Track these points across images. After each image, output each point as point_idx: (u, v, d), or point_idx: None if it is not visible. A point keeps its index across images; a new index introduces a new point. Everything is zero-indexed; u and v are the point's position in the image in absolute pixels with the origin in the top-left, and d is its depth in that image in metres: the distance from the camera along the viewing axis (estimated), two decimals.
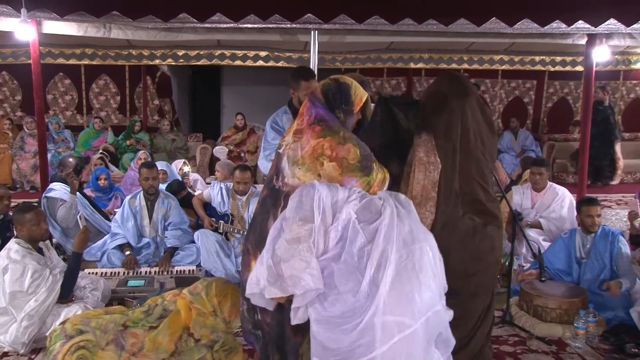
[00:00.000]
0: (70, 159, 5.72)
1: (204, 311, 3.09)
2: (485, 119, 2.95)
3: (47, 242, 4.14)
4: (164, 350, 3.00)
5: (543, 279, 4.38)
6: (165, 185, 6.04)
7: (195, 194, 6.04)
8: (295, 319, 2.27)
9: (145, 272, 4.80)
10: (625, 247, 4.34)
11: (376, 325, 2.12)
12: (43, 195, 5.26)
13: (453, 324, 2.39)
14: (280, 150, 2.72)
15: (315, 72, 5.13)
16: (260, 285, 2.27)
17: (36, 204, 4.74)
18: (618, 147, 9.71)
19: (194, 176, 7.56)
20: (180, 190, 6.08)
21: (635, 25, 5.02)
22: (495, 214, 2.97)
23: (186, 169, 7.29)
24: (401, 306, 2.15)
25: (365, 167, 2.58)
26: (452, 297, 2.43)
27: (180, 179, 6.72)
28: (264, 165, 4.03)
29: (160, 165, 6.39)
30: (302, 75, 3.95)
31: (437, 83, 3.08)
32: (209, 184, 6.30)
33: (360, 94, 2.77)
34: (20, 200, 6.43)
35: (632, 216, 5.34)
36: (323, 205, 2.30)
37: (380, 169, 2.68)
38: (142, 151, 7.68)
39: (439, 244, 2.41)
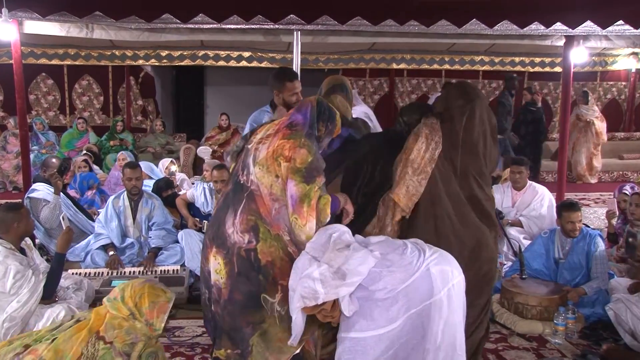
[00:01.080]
0: (54, 160, 5.69)
1: (120, 315, 2.80)
2: (491, 125, 3.12)
3: (30, 242, 4.12)
4: (68, 358, 2.68)
5: (524, 276, 4.47)
6: (152, 182, 6.06)
7: (181, 193, 6.04)
8: (348, 310, 2.39)
9: (130, 272, 4.80)
10: (601, 249, 4.38)
11: (433, 273, 2.45)
12: (26, 195, 5.24)
13: None
14: (249, 146, 2.78)
15: (298, 73, 5.17)
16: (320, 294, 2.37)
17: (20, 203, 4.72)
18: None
19: (180, 176, 7.56)
20: (167, 188, 6.09)
21: (610, 28, 5.13)
22: (489, 213, 3.09)
23: (173, 168, 7.30)
24: (447, 262, 2.54)
25: (308, 176, 2.61)
26: None
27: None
28: None
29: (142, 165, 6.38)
30: (286, 76, 3.98)
31: (449, 89, 3.36)
32: (194, 184, 6.32)
33: (339, 126, 2.93)
34: (3, 201, 6.38)
35: (609, 215, 5.44)
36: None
37: (324, 195, 2.69)
38: (121, 152, 7.66)
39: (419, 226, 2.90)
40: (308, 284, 2.37)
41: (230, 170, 2.96)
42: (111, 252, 4.99)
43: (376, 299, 2.39)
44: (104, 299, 2.90)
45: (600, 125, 10.13)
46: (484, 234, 3.06)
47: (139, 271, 4.80)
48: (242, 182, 2.72)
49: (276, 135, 2.71)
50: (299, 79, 3.99)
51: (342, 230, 2.60)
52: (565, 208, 4.55)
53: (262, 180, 2.66)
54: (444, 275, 2.48)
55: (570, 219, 4.45)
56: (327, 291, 2.35)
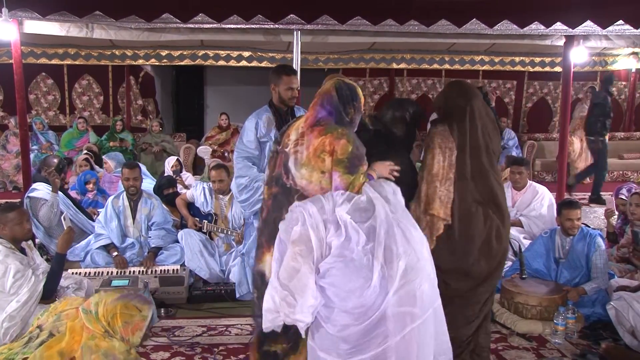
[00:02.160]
0: (54, 159, 5.70)
1: (97, 333, 2.72)
2: (489, 118, 3.22)
3: (30, 242, 4.11)
4: None
5: (524, 276, 4.47)
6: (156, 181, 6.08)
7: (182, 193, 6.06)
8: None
9: (130, 272, 4.81)
10: (601, 249, 4.37)
11: (389, 317, 2.24)
12: (26, 195, 5.24)
13: (462, 304, 2.63)
14: (287, 149, 2.77)
15: (298, 72, 5.17)
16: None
17: (19, 204, 4.72)
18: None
19: (187, 175, 7.54)
20: (169, 186, 6.09)
21: (610, 28, 5.13)
22: (500, 203, 3.18)
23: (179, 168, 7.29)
24: (411, 298, 2.27)
25: (352, 166, 2.60)
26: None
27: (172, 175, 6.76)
28: (239, 166, 4.15)
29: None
30: (284, 70, 4.01)
31: (446, 88, 3.43)
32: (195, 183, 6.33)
33: (361, 94, 2.89)
34: (3, 201, 6.39)
35: (608, 214, 5.44)
36: (315, 222, 2.33)
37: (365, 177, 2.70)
38: (104, 156, 7.65)
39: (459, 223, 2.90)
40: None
41: (270, 173, 2.92)
42: (115, 253, 4.99)
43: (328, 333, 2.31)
44: (80, 308, 2.85)
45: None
46: (498, 225, 3.14)
47: (140, 271, 4.81)
48: (289, 185, 2.73)
49: (312, 134, 2.70)
50: (297, 77, 4.01)
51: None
52: (565, 206, 4.57)
53: (310, 180, 2.67)
54: (402, 320, 2.27)
55: (569, 216, 4.46)
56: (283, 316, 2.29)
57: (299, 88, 4.16)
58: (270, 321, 2.32)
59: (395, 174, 2.88)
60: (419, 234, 2.45)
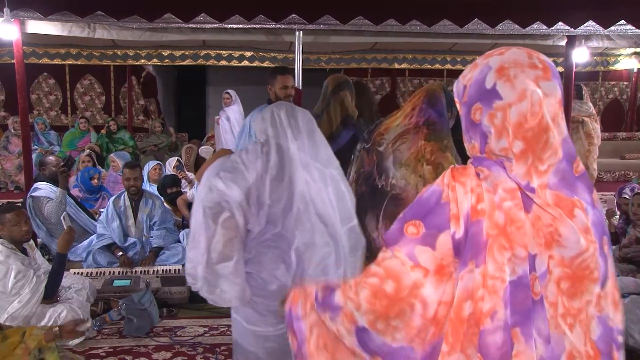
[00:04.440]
0: (51, 157, 5.71)
1: None
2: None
3: (32, 242, 4.12)
4: None
5: None
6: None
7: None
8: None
9: (132, 272, 4.81)
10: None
11: None
12: (28, 195, 5.24)
13: None
14: (381, 148, 2.73)
15: (300, 72, 5.18)
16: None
17: (20, 205, 4.73)
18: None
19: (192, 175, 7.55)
20: (172, 185, 6.10)
21: (613, 28, 5.12)
22: None
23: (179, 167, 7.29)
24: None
25: None
26: None
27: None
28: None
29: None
30: (279, 70, 4.10)
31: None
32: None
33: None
34: (5, 201, 6.40)
35: (609, 214, 5.43)
36: (243, 210, 2.22)
37: None
38: (111, 154, 7.66)
39: None
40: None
41: (357, 170, 2.88)
42: (120, 253, 5.01)
43: None
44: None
45: (593, 126, 9.05)
46: None
47: (142, 271, 4.81)
48: (380, 186, 2.70)
49: (417, 135, 2.67)
50: (293, 76, 4.04)
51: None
52: None
53: (408, 180, 2.64)
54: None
55: None
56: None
57: (293, 86, 4.17)
58: (189, 281, 2.27)
59: None
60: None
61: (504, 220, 1.10)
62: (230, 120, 8.59)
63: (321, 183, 2.23)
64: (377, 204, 2.67)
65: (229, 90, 8.98)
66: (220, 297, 2.25)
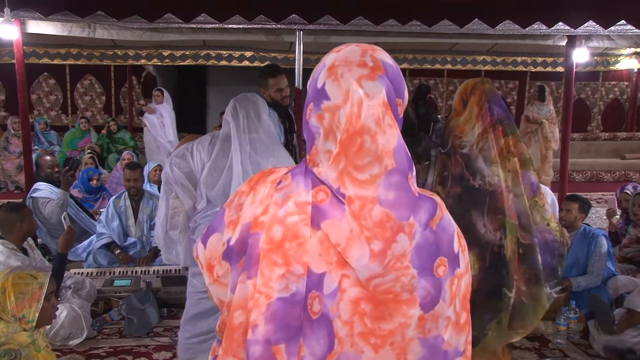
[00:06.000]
0: (47, 157, 5.71)
1: None
2: None
3: (32, 242, 4.12)
4: None
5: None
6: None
7: None
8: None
9: (132, 271, 4.81)
10: (603, 248, 4.35)
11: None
12: (28, 195, 5.23)
13: None
14: (465, 151, 2.93)
15: (300, 72, 5.18)
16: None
17: (22, 203, 4.73)
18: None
19: None
20: None
21: (613, 28, 5.12)
22: None
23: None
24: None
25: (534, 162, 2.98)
26: None
27: None
28: None
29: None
30: (268, 72, 3.99)
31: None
32: None
33: None
34: (5, 201, 6.40)
35: (610, 214, 5.43)
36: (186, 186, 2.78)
37: None
38: (127, 151, 7.67)
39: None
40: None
41: (440, 174, 3.04)
42: (118, 251, 5.01)
43: None
44: None
45: (550, 129, 8.82)
46: None
47: (141, 270, 4.81)
48: (477, 186, 2.89)
49: (494, 133, 2.90)
50: (284, 74, 4.00)
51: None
52: (565, 197, 4.76)
53: (500, 176, 2.88)
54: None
55: (563, 206, 4.57)
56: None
57: (288, 86, 4.15)
58: (154, 242, 2.90)
59: None
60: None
61: (282, 236, 1.04)
62: (164, 116, 9.04)
63: (258, 169, 2.59)
64: (479, 202, 2.89)
65: (160, 88, 9.17)
66: (176, 257, 2.93)
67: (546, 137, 8.77)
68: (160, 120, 8.92)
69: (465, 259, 1.14)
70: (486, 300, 2.90)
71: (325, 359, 1.05)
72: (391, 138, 1.06)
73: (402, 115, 1.13)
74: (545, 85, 9.35)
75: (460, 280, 1.12)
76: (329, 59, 1.14)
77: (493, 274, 2.89)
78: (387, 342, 1.06)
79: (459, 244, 1.13)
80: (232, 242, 1.12)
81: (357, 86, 1.06)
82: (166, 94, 9.16)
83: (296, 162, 2.99)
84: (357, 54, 1.13)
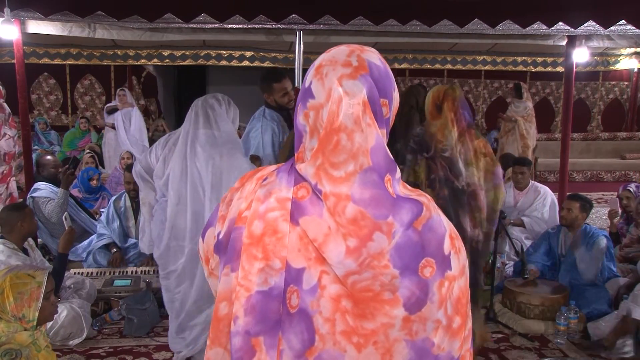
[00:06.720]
0: (48, 157, 5.71)
1: None
2: None
3: (32, 242, 4.12)
4: None
5: (526, 276, 4.47)
6: None
7: None
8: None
9: (132, 271, 4.81)
10: (602, 246, 4.35)
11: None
12: (29, 195, 5.24)
13: None
14: (447, 154, 3.15)
15: (300, 72, 5.17)
16: None
17: (23, 203, 4.73)
18: None
19: None
20: None
21: (613, 27, 5.12)
22: None
23: None
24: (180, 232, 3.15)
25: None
26: None
27: None
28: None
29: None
30: (272, 78, 3.95)
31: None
32: None
33: None
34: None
35: (611, 214, 5.42)
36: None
37: None
38: (126, 150, 7.67)
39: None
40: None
41: (427, 177, 3.24)
42: (114, 250, 5.01)
43: None
44: None
45: (525, 127, 8.63)
46: None
47: (142, 270, 4.81)
48: (460, 187, 3.11)
49: (467, 137, 3.16)
50: (287, 76, 3.98)
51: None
52: (567, 196, 4.83)
53: (477, 175, 3.11)
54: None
55: (564, 204, 4.65)
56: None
57: (292, 88, 4.13)
58: None
59: None
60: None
61: (262, 230, 1.06)
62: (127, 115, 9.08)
63: (204, 163, 2.95)
64: (465, 202, 3.11)
65: (124, 88, 9.22)
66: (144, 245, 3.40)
67: (522, 135, 8.62)
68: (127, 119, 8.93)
69: (459, 261, 1.11)
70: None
71: (305, 354, 1.05)
72: (369, 137, 1.05)
73: (390, 115, 1.13)
74: (521, 83, 9.16)
75: (452, 282, 1.09)
76: (318, 58, 1.15)
77: (471, 267, 2.99)
78: (370, 342, 1.06)
79: (452, 245, 1.11)
80: (221, 236, 1.15)
81: (337, 84, 1.07)
82: (128, 92, 9.34)
83: None
84: (344, 54, 1.14)
